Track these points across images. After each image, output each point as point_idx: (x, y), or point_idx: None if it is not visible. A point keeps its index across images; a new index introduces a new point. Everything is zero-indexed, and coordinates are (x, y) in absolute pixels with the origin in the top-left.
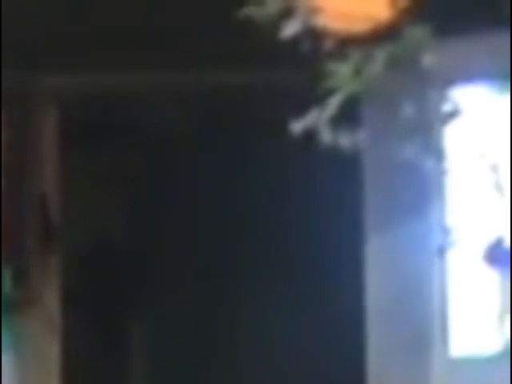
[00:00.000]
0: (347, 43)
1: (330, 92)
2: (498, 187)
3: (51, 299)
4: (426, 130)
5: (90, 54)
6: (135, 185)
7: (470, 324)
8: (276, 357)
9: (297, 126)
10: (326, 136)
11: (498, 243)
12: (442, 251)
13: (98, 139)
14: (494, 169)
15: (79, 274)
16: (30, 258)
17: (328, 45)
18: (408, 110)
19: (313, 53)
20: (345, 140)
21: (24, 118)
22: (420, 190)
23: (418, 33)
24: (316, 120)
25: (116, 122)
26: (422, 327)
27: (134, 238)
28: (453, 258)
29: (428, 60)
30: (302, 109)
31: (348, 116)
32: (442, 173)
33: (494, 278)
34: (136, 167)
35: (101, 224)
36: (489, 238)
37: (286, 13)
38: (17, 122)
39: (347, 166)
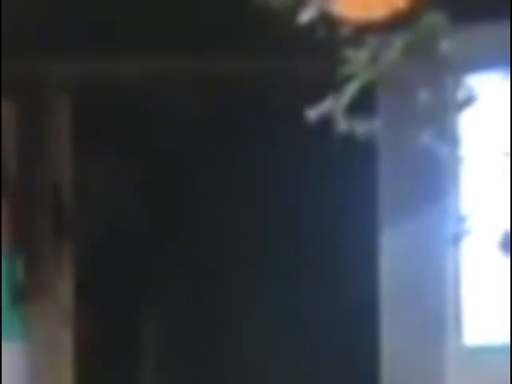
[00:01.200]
0: (364, 30)
1: (346, 79)
2: None
3: (63, 287)
4: (442, 118)
5: (102, 41)
6: (148, 172)
7: (484, 312)
8: (289, 344)
9: (312, 114)
10: (341, 124)
11: None
12: (456, 239)
13: (110, 126)
14: (509, 156)
15: (91, 261)
16: (42, 246)
17: (344, 31)
18: (424, 97)
19: (329, 40)
20: (360, 127)
21: (36, 105)
22: (435, 178)
23: (435, 19)
24: (331, 107)
25: (129, 109)
26: (436, 315)
27: (147, 226)
28: (467, 246)
29: (445, 47)
30: (317, 96)
31: (363, 103)
32: (457, 160)
33: (508, 265)
34: (149, 154)
35: (114, 211)
36: (504, 226)
37: None
38: (29, 110)
39: (362, 154)
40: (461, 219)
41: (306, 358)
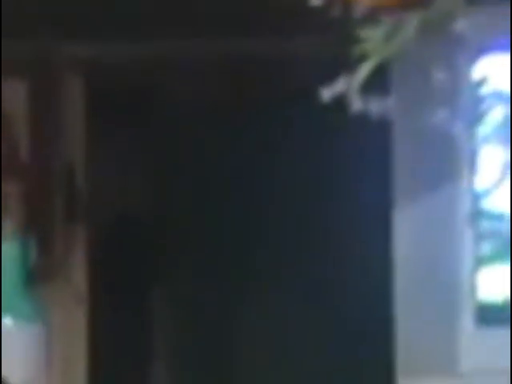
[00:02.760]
0: (378, 10)
1: (361, 58)
2: None
3: (77, 269)
4: (456, 96)
5: (114, 23)
6: (161, 154)
7: (499, 292)
8: (303, 326)
9: (326, 93)
10: (356, 103)
11: None
12: (471, 218)
13: (123, 108)
14: None
15: (104, 242)
16: (56, 228)
17: (359, 11)
18: (438, 76)
19: (343, 19)
20: (375, 106)
21: (49, 86)
22: (450, 157)
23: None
24: (346, 87)
25: (141, 91)
26: (451, 294)
27: (159, 209)
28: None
29: (459, 27)
30: (331, 75)
31: (378, 82)
32: (471, 139)
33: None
34: (162, 136)
35: (126, 194)
36: None
37: None
38: (42, 91)
39: (377, 133)
40: (476, 198)
41: (319, 339)
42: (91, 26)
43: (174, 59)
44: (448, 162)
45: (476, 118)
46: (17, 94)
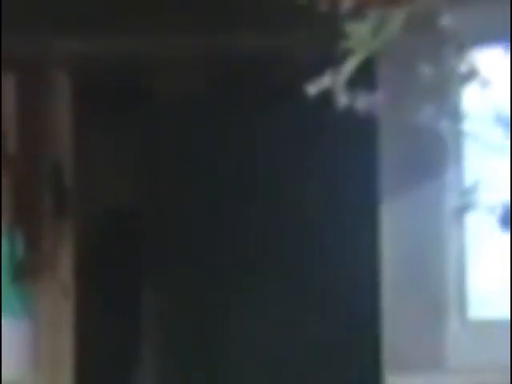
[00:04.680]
0: (365, 4)
1: (347, 54)
2: None
3: (64, 264)
4: (443, 92)
5: (102, 19)
6: (149, 151)
7: (488, 287)
8: (288, 325)
9: (312, 89)
10: (341, 98)
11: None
12: (459, 213)
13: (111, 105)
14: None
15: (92, 238)
16: (43, 224)
17: (345, 6)
18: (425, 71)
19: (329, 14)
20: (361, 102)
21: (37, 83)
22: (437, 152)
23: None
24: (332, 82)
25: (130, 88)
26: (439, 290)
27: (148, 205)
28: (470, 220)
29: (446, 21)
30: (317, 71)
31: (364, 78)
32: (458, 134)
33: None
34: (150, 133)
35: (114, 189)
36: (504, 201)
37: None
38: (30, 88)
39: (363, 129)
40: (463, 193)
41: (305, 336)
42: (79, 23)
43: (162, 56)
44: (435, 157)
45: (463, 113)
46: (4, 89)
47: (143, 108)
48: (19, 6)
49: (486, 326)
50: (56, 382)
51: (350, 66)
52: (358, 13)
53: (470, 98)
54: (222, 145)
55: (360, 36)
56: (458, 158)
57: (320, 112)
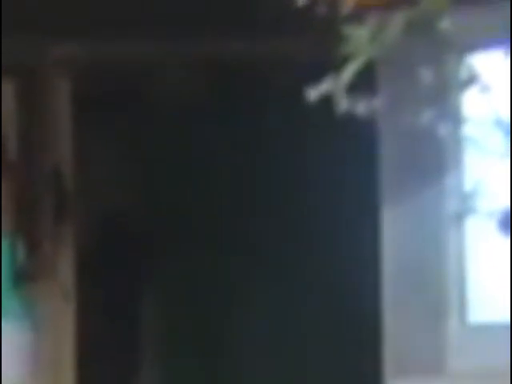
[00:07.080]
0: (364, 8)
1: (347, 58)
2: None
3: (65, 268)
4: (443, 97)
5: (101, 24)
6: (148, 155)
7: (488, 290)
8: (289, 326)
9: (313, 93)
10: (342, 103)
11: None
12: (459, 218)
13: (110, 109)
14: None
15: (92, 243)
16: (44, 228)
17: (344, 10)
18: (425, 76)
19: (329, 18)
20: (361, 107)
21: (37, 87)
22: (436, 157)
23: None
24: (332, 87)
25: (129, 92)
26: (439, 294)
27: (147, 209)
28: (470, 225)
29: (445, 25)
30: (318, 75)
31: (364, 82)
32: (458, 139)
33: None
34: (149, 137)
35: (114, 194)
36: (503, 205)
37: None
38: (30, 92)
39: (363, 133)
40: (463, 197)
41: (305, 338)
42: (79, 28)
43: (162, 60)
44: (435, 162)
45: (463, 118)
46: (4, 94)
47: (142, 113)
48: (19, 12)
49: (485, 330)
50: None
51: (350, 70)
52: (357, 17)
53: (470, 102)
54: (222, 148)
55: (360, 40)
56: (458, 163)
57: (321, 116)
